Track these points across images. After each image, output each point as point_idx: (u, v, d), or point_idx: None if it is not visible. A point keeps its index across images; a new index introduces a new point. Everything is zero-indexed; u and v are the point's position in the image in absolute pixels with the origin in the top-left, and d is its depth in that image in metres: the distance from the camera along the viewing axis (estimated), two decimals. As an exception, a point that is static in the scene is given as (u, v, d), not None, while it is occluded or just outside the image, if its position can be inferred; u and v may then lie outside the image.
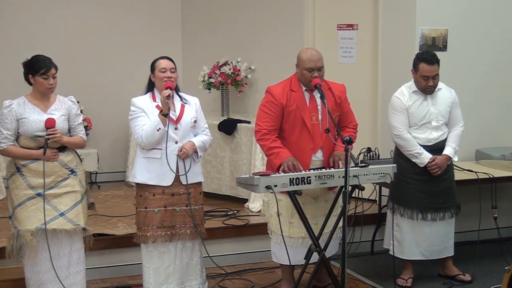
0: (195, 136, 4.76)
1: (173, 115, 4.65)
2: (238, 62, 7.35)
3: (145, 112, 4.66)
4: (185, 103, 4.76)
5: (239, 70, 7.29)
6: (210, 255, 4.88)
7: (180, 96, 4.79)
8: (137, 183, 4.73)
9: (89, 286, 5.16)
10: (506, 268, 4.49)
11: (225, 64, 7.35)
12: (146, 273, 4.77)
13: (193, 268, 4.80)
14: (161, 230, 4.66)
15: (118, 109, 7.83)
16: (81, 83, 7.52)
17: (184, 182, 4.66)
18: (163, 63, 4.70)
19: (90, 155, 7.35)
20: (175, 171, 4.62)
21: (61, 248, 4.57)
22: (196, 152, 4.70)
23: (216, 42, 7.75)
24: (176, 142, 4.64)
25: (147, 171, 4.66)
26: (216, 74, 7.29)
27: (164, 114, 4.56)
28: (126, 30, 8.01)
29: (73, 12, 7.79)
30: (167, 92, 4.57)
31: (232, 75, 7.26)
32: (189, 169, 4.66)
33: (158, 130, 4.55)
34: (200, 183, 4.82)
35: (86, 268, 4.77)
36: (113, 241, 5.49)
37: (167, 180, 4.64)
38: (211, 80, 7.29)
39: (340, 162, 4.73)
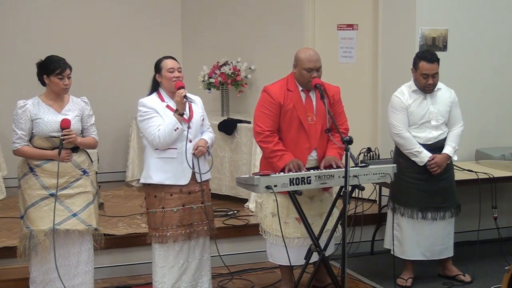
0: (201, 134, 4.80)
1: (185, 114, 4.67)
2: (238, 62, 7.35)
3: (158, 112, 4.66)
4: (192, 102, 4.78)
5: (239, 70, 7.29)
6: (213, 255, 4.91)
7: (186, 96, 4.81)
8: (149, 184, 4.72)
9: (89, 286, 5.17)
10: (506, 268, 4.49)
11: (225, 64, 7.35)
12: (158, 273, 4.75)
13: (204, 264, 4.84)
14: (181, 229, 4.68)
15: (118, 109, 7.84)
16: (81, 83, 7.45)
17: (198, 180, 4.70)
18: (170, 63, 4.71)
19: (90, 155, 7.34)
20: (194, 169, 4.65)
21: (72, 248, 4.57)
22: (208, 149, 4.75)
23: (216, 42, 7.75)
24: (190, 141, 4.67)
25: (163, 171, 4.66)
26: (216, 74, 7.29)
27: (181, 113, 4.59)
28: (126, 30, 8.01)
29: (73, 12, 7.79)
30: (184, 92, 4.59)
31: (232, 75, 7.26)
32: (211, 167, 4.76)
33: (175, 130, 4.57)
34: (209, 180, 4.87)
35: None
36: (113, 241, 5.48)
37: (184, 179, 4.66)
38: (211, 80, 7.29)
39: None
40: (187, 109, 4.69)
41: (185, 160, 4.61)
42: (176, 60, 4.75)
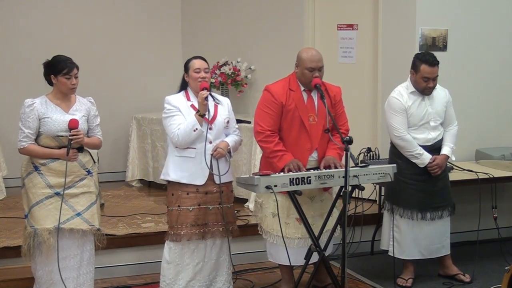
0: (226, 135, 4.80)
1: (208, 115, 4.67)
2: (238, 62, 7.35)
3: (180, 111, 4.69)
4: (218, 103, 4.80)
5: (239, 70, 7.29)
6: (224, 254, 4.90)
7: (212, 96, 4.82)
8: (169, 182, 4.75)
9: (89, 286, 5.17)
10: (506, 268, 4.49)
11: (225, 64, 7.35)
12: (172, 271, 4.75)
13: (221, 265, 4.85)
14: (195, 228, 4.69)
15: (118, 109, 7.84)
16: (80, 83, 7.50)
17: (217, 181, 4.70)
18: (197, 63, 4.72)
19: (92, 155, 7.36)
20: (211, 171, 4.66)
21: (75, 249, 4.57)
22: (229, 152, 4.75)
23: (216, 42, 7.76)
24: (210, 142, 4.68)
25: (180, 169, 4.69)
26: (216, 74, 7.29)
27: (202, 114, 4.60)
28: (126, 30, 8.02)
29: (72, 13, 7.80)
30: (206, 93, 4.60)
31: (232, 75, 7.27)
32: (228, 169, 4.74)
33: (195, 130, 4.59)
34: (231, 182, 4.86)
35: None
36: (113, 241, 5.48)
37: (201, 179, 4.68)
38: (211, 80, 7.28)
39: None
40: (211, 110, 4.70)
41: (203, 160, 4.62)
42: (205, 61, 4.77)
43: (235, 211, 6.08)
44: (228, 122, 4.80)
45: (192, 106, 4.70)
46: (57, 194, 4.49)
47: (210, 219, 4.74)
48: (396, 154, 5.26)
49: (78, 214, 4.53)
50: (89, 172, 4.63)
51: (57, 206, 4.47)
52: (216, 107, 4.77)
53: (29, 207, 4.52)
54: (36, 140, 4.50)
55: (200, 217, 4.70)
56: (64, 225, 4.47)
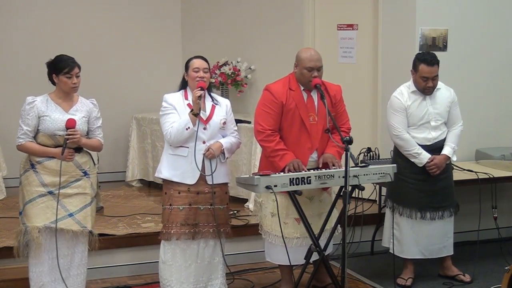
0: (223, 137, 4.79)
1: (203, 115, 4.67)
2: (238, 62, 7.35)
3: (176, 109, 4.70)
4: (216, 104, 4.80)
5: (239, 70, 7.29)
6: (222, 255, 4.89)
7: (211, 97, 4.83)
8: (163, 180, 4.76)
9: (89, 286, 5.16)
10: (506, 268, 4.49)
11: (225, 64, 7.35)
12: (166, 271, 4.76)
13: (215, 267, 4.84)
14: (185, 227, 4.69)
15: (118, 109, 7.84)
16: (81, 83, 7.51)
17: (209, 182, 4.69)
18: (197, 63, 4.74)
19: (92, 156, 7.35)
20: (201, 170, 4.65)
21: (65, 249, 4.56)
22: (223, 153, 4.73)
23: (216, 42, 7.75)
24: (204, 142, 4.68)
25: (173, 168, 4.70)
26: (216, 74, 7.29)
27: (195, 113, 4.60)
28: (126, 30, 8.01)
29: (72, 13, 7.79)
30: (199, 92, 4.60)
31: (232, 75, 7.26)
32: (215, 170, 4.69)
33: (187, 129, 4.60)
34: (226, 183, 4.85)
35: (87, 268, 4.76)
36: (113, 241, 5.49)
37: (191, 178, 4.67)
38: (211, 80, 7.28)
39: (333, 166, 4.71)
40: (207, 110, 4.71)
41: (194, 160, 4.62)
42: (206, 61, 4.78)
43: (234, 212, 6.12)
44: (224, 123, 4.79)
45: (189, 105, 4.70)
46: (50, 193, 4.50)
47: (201, 220, 4.72)
48: (397, 153, 5.27)
49: (70, 215, 4.53)
50: (85, 173, 4.62)
51: (48, 205, 4.48)
52: (213, 107, 4.77)
53: (23, 204, 4.53)
54: (34, 137, 4.51)
55: (190, 217, 4.69)
56: (55, 225, 4.47)
